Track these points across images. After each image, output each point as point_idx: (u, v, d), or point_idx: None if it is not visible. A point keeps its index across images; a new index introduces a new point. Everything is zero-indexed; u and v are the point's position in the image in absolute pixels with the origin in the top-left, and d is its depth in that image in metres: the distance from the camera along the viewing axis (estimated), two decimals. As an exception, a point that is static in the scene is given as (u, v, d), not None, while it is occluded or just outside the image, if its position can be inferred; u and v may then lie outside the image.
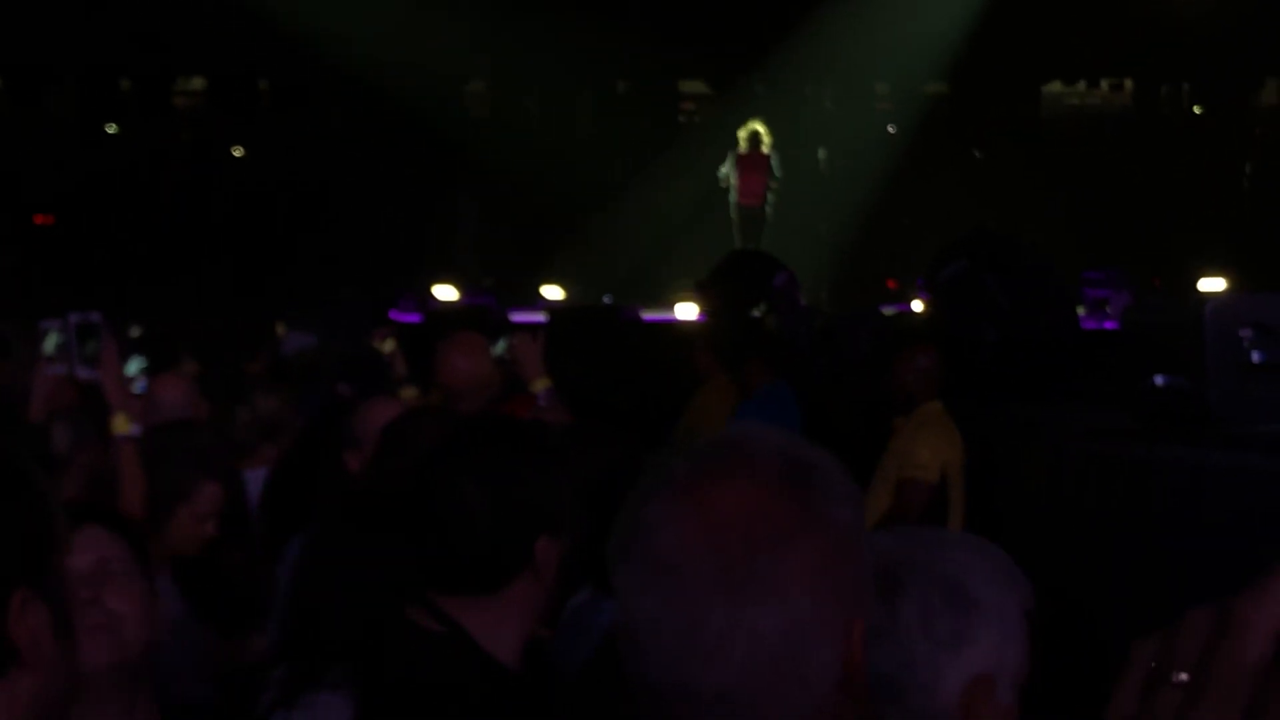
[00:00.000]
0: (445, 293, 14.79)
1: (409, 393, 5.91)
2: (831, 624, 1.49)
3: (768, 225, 16.22)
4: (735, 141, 16.39)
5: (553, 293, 15.45)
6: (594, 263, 16.23)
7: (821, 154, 16.92)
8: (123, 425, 4.19)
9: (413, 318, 12.93)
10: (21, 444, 4.08)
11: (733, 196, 16.28)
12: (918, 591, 1.95)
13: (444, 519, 2.54)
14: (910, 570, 1.96)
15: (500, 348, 6.28)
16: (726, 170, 16.27)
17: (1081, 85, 19.95)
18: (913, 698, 1.94)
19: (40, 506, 1.50)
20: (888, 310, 12.52)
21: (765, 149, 16.23)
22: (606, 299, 15.10)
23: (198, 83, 18.63)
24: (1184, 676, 0.94)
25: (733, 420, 7.30)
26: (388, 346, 7.18)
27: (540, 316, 12.64)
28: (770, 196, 16.24)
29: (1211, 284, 14.72)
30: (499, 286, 15.28)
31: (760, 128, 16.27)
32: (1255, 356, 6.31)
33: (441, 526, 2.54)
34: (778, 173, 16.20)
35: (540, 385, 5.23)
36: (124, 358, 5.70)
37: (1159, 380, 6.37)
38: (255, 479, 5.01)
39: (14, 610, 1.43)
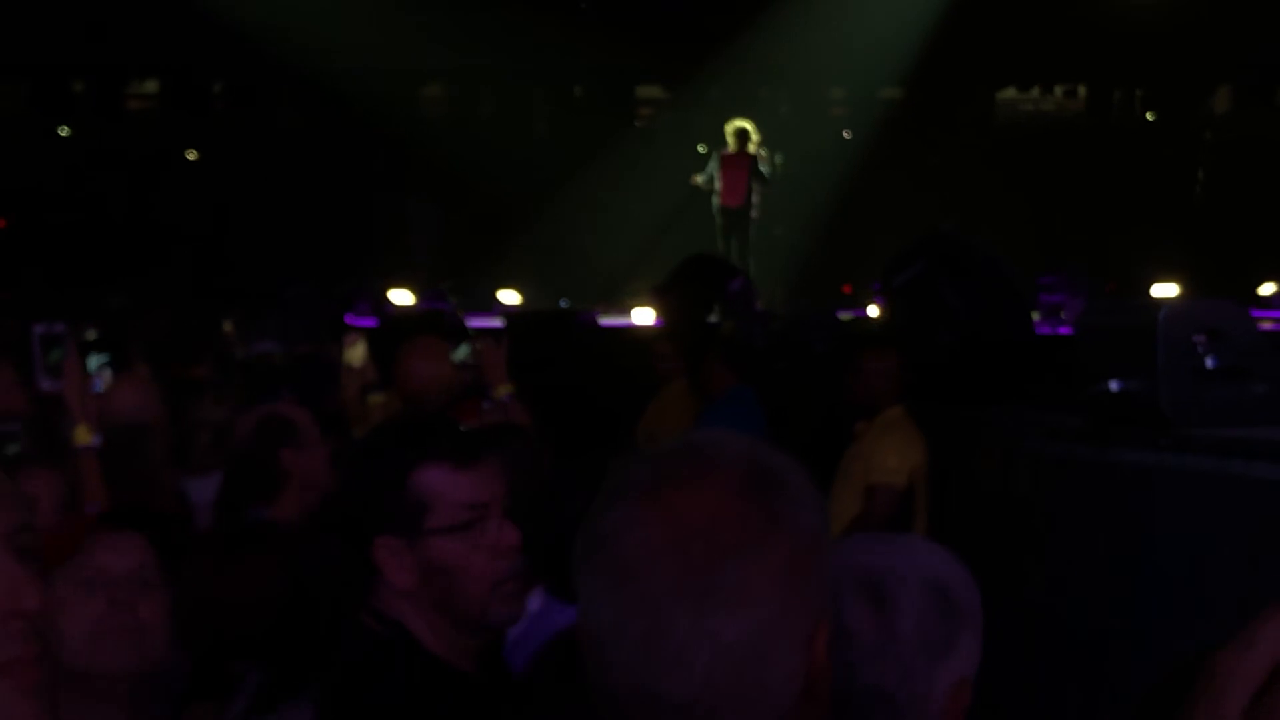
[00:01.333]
0: (401, 297, 14.74)
1: (376, 399, 5.89)
2: (795, 631, 1.49)
3: (753, 227, 15.89)
4: (721, 140, 16.04)
5: (509, 297, 15.41)
6: (550, 267, 16.22)
7: (777, 159, 16.91)
8: (84, 436, 4.20)
9: (368, 322, 12.88)
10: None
11: (715, 198, 15.86)
12: (909, 604, 1.95)
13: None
14: (898, 582, 1.96)
15: (463, 352, 6.28)
16: (710, 170, 15.87)
17: (1035, 91, 20.04)
18: (905, 708, 1.94)
19: None
20: (844, 315, 12.55)
21: (752, 148, 15.84)
22: (563, 303, 15.08)
23: (150, 85, 18.51)
24: None
25: (696, 424, 7.31)
26: (358, 351, 7.15)
27: (497, 321, 12.61)
28: (755, 198, 15.84)
29: (1164, 289, 14.83)
30: (455, 291, 15.23)
31: (748, 125, 15.88)
32: (1209, 362, 6.36)
33: None
34: (766, 174, 15.84)
35: (504, 390, 5.22)
36: (83, 358, 5.67)
37: (1113, 385, 6.41)
38: (208, 486, 4.97)
39: None
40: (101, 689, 2.55)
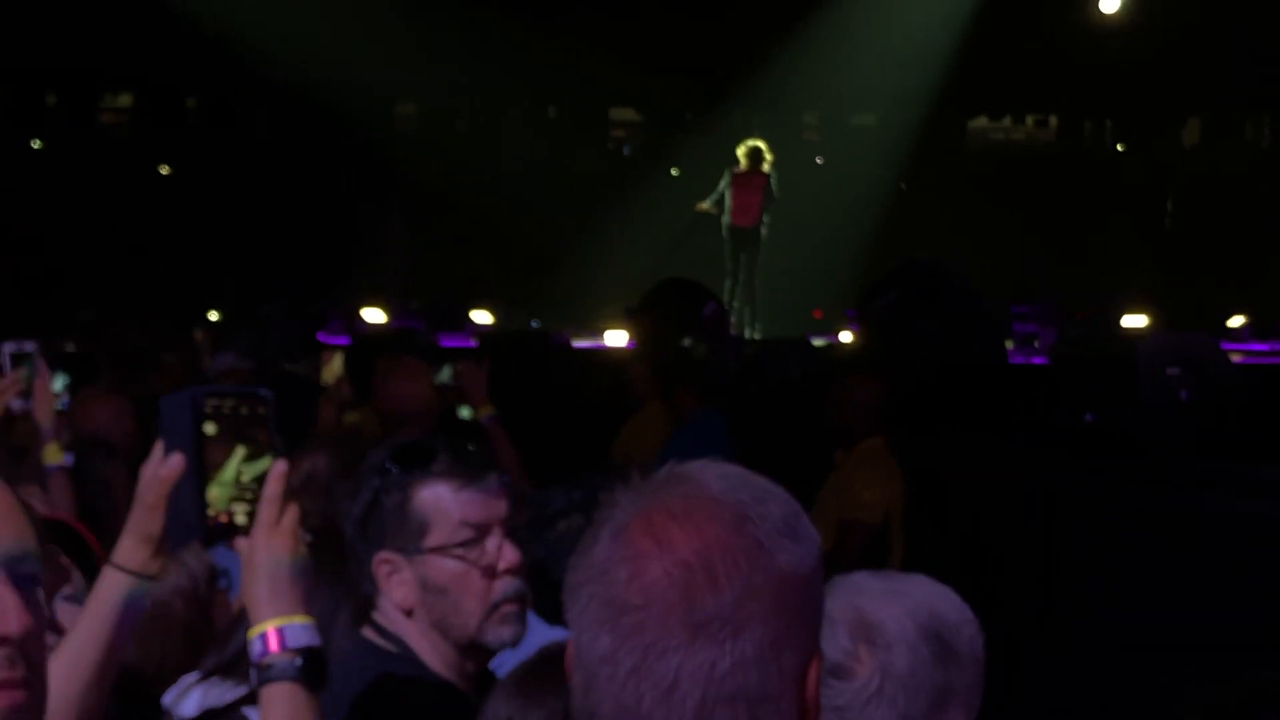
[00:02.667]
0: (373, 316, 14.70)
1: (352, 417, 5.85)
2: (787, 664, 1.48)
3: (763, 247, 15.78)
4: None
5: (481, 317, 15.38)
6: (522, 287, 16.20)
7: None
8: (55, 455, 4.18)
9: (340, 340, 12.82)
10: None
11: (725, 217, 15.63)
12: (905, 648, 1.93)
13: None
14: (896, 623, 1.94)
15: (445, 374, 6.25)
16: (721, 189, 15.65)
17: (1007, 120, 20.15)
18: None
19: None
20: (816, 340, 12.55)
21: (765, 167, 15.65)
22: (534, 324, 15.05)
23: (125, 99, 18.45)
24: None
25: (663, 449, 7.28)
26: (335, 367, 7.09)
27: (469, 341, 12.59)
28: (766, 218, 15.68)
29: (1134, 320, 14.88)
30: (426, 310, 15.20)
31: (761, 144, 15.71)
32: (1183, 395, 6.39)
33: None
34: (776, 193, 15.70)
35: (485, 411, 5.20)
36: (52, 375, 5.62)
37: (1087, 416, 6.43)
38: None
39: None
40: None
